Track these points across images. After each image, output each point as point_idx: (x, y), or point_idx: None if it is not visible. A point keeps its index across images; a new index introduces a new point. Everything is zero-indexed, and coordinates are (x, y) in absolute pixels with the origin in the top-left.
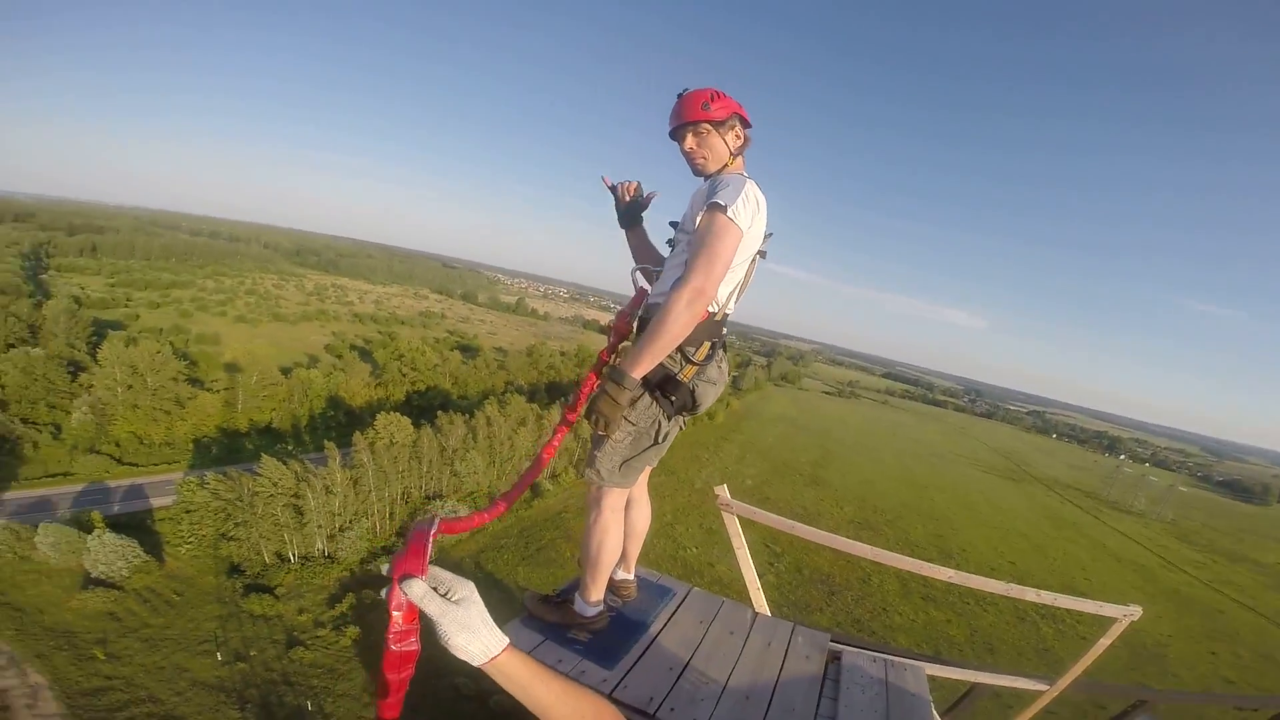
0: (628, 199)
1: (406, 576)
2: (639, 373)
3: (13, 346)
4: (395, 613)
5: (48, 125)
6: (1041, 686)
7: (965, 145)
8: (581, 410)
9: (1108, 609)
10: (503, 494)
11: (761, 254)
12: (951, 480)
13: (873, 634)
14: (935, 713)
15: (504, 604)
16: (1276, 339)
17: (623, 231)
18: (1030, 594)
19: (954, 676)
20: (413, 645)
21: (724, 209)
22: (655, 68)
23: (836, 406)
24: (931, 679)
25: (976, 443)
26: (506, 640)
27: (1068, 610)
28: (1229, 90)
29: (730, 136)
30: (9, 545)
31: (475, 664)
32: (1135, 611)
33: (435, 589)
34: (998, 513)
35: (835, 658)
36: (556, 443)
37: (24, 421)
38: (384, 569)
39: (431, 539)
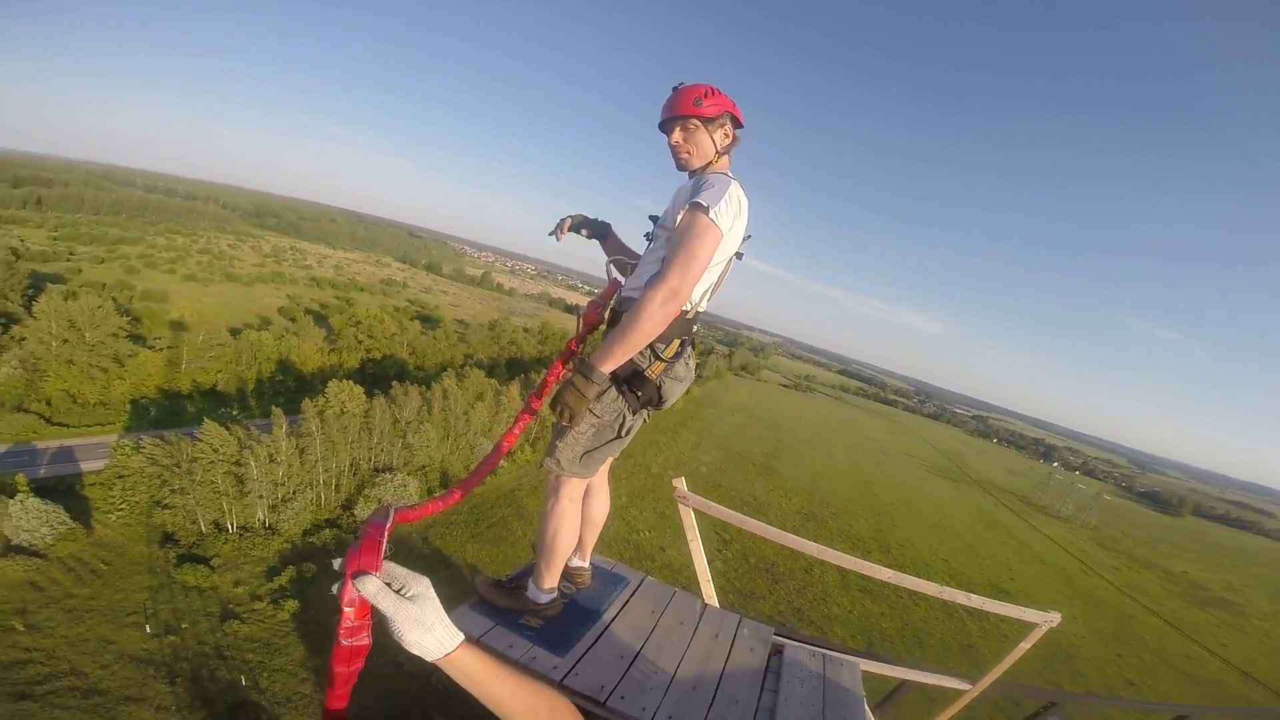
0: (564, 234)
1: (360, 573)
2: (608, 368)
3: None
4: (347, 608)
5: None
6: (964, 685)
7: (941, 149)
8: (546, 400)
9: (1030, 614)
10: (459, 481)
11: (739, 255)
12: (896, 477)
13: (811, 623)
14: (867, 707)
15: (452, 581)
16: (1209, 362)
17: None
18: (961, 597)
19: (886, 673)
20: (364, 640)
21: (706, 210)
22: (640, 43)
23: (792, 400)
24: (865, 674)
25: (922, 443)
26: (461, 636)
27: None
28: (1175, 120)
29: (719, 134)
30: None
31: (429, 660)
32: (1055, 618)
33: (389, 585)
34: (937, 511)
35: (778, 650)
36: (518, 431)
37: None
38: (335, 564)
39: (387, 532)
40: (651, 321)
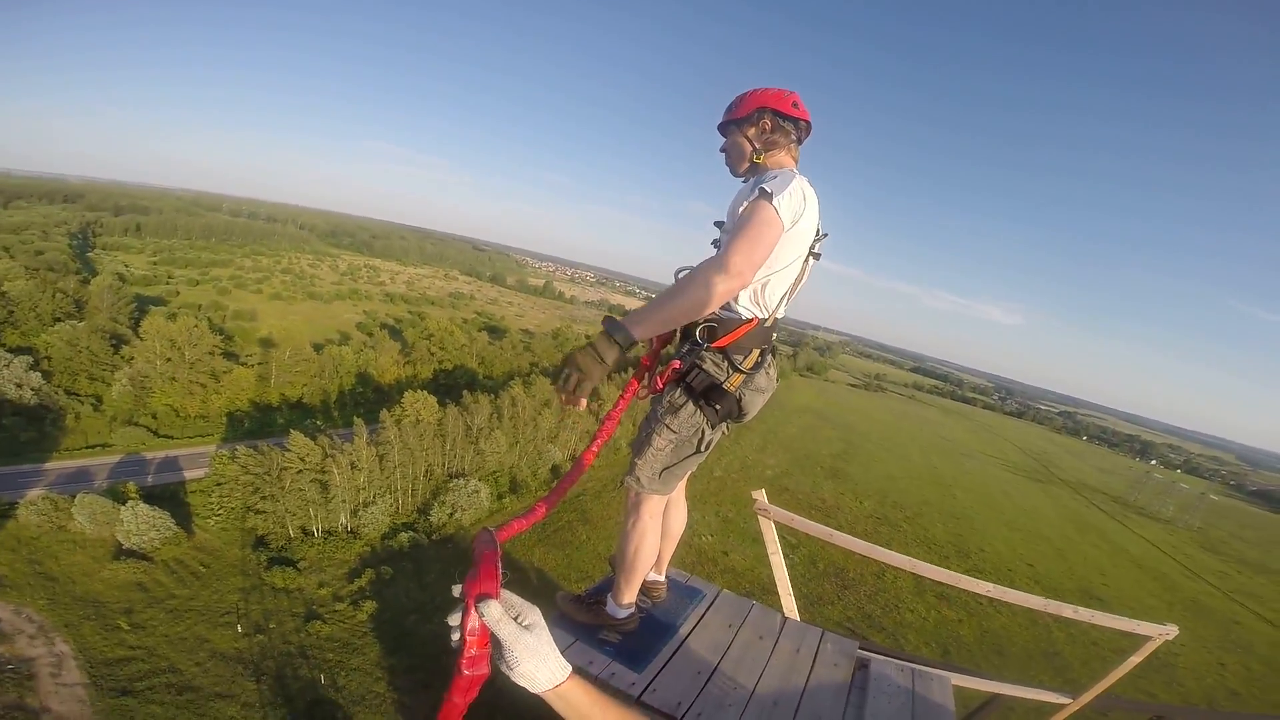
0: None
1: (484, 597)
2: (640, 333)
3: (60, 321)
4: (469, 637)
5: (98, 113)
6: (1063, 700)
7: (1011, 138)
8: (617, 417)
9: (1144, 627)
10: (542, 498)
11: (815, 255)
12: (976, 479)
13: (884, 630)
14: None
15: (521, 585)
16: None
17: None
18: (1068, 610)
19: (978, 687)
20: (483, 670)
21: (770, 197)
22: (689, 56)
23: (862, 399)
24: (955, 688)
25: (1004, 442)
26: (569, 668)
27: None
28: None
29: (752, 132)
30: (47, 515)
31: (538, 691)
32: (1171, 631)
33: (506, 613)
34: (1020, 513)
35: (863, 665)
36: (596, 449)
37: (68, 393)
38: (455, 591)
39: (499, 555)
40: (701, 292)
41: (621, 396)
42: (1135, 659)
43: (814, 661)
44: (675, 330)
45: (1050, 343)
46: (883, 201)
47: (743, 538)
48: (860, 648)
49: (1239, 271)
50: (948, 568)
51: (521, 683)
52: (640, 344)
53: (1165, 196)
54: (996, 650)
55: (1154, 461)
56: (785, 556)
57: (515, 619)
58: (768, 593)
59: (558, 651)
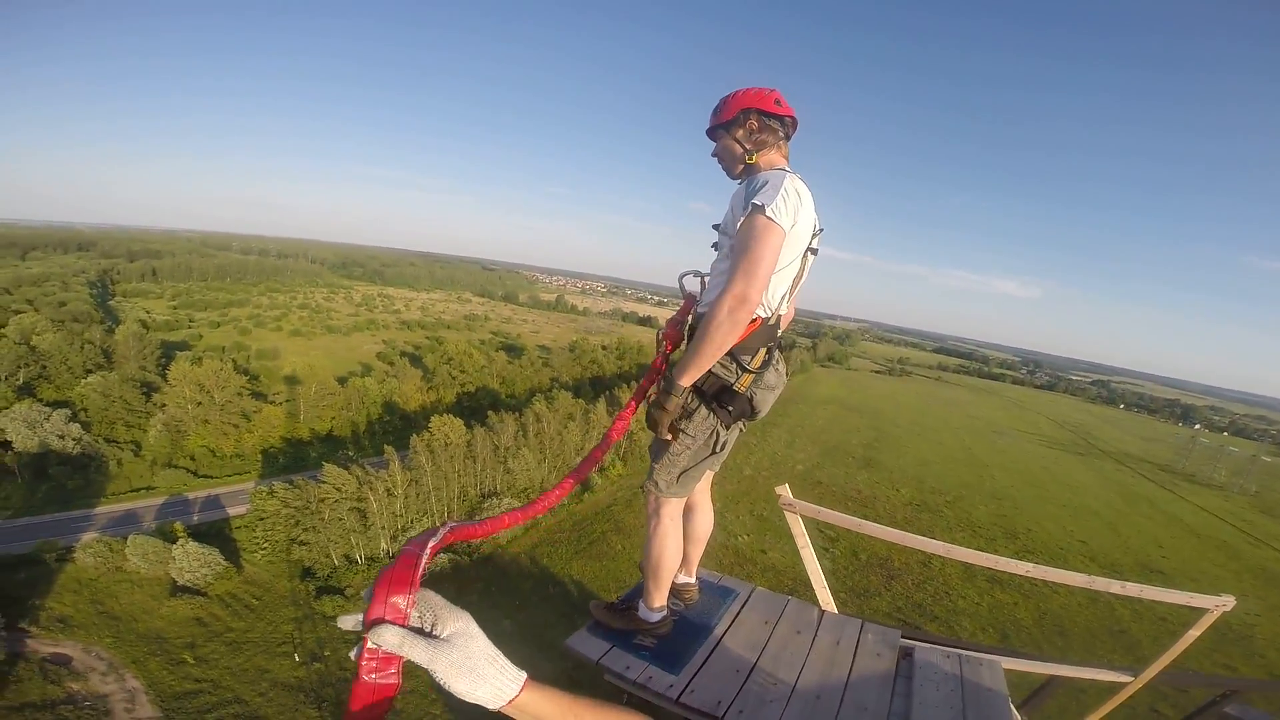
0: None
1: (377, 623)
2: (687, 381)
3: (90, 372)
4: (365, 655)
5: (102, 160)
6: (1125, 678)
7: (1007, 115)
8: (633, 416)
9: (1199, 599)
10: (537, 498)
11: (813, 251)
12: (1014, 457)
13: (935, 619)
14: (1013, 707)
15: (562, 599)
16: None
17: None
18: (1115, 586)
19: (1032, 670)
20: (391, 677)
21: (763, 209)
22: (677, 55)
23: (887, 385)
24: (1008, 672)
25: (1038, 416)
26: (523, 676)
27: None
28: None
29: (740, 134)
30: (104, 557)
31: (492, 709)
32: (1228, 602)
33: (422, 627)
34: (1065, 489)
35: (907, 654)
36: (598, 456)
37: (107, 441)
38: (364, 593)
39: (429, 552)
40: (721, 331)
41: (629, 403)
42: (1194, 632)
43: (855, 652)
44: (684, 332)
45: (1074, 313)
46: (884, 185)
47: (779, 535)
48: (903, 636)
49: (1257, 231)
50: (995, 551)
51: (470, 701)
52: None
53: (1175, 165)
54: (1058, 631)
55: (1198, 425)
56: (825, 550)
57: (430, 630)
58: (811, 588)
59: (501, 661)
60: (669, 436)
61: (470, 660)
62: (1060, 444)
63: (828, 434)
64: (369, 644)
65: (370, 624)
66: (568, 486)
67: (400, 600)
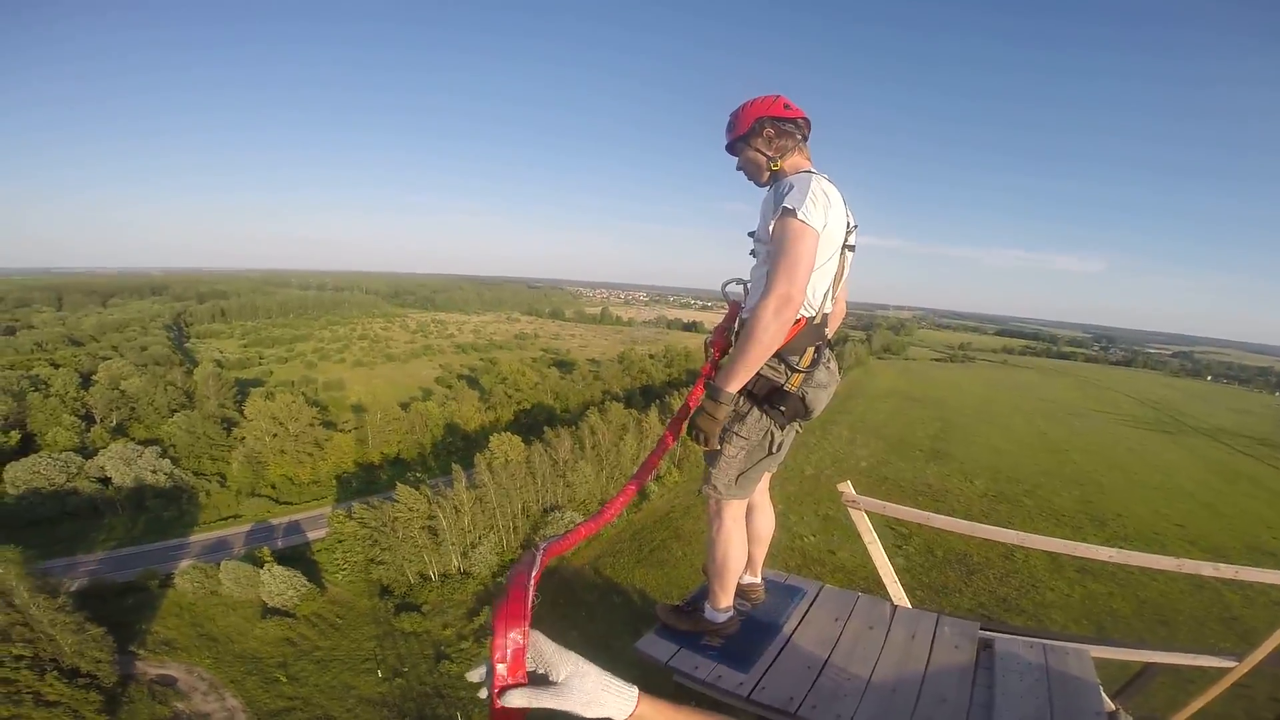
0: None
1: (506, 690)
2: (734, 386)
3: (175, 411)
4: (499, 665)
5: (169, 207)
6: (1228, 663)
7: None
8: (684, 429)
9: None
10: (606, 503)
11: (850, 248)
12: (1094, 439)
13: (1022, 613)
14: (1105, 695)
15: (626, 607)
16: None
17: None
18: (1207, 568)
19: (1124, 657)
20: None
21: (794, 213)
22: (695, 59)
23: (950, 373)
24: (1098, 661)
25: (1116, 395)
26: (635, 691)
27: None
28: None
29: (760, 143)
30: (200, 582)
31: None
32: None
33: (537, 671)
34: (1154, 471)
35: (987, 645)
36: (654, 462)
37: (195, 474)
38: (475, 676)
39: (534, 581)
40: (768, 334)
41: (682, 410)
42: None
43: (932, 646)
44: (731, 339)
45: (1146, 283)
46: (923, 170)
47: (847, 534)
48: (982, 628)
49: None
50: (1082, 539)
51: None
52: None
53: (1227, 118)
54: (1161, 621)
55: None
56: (898, 548)
57: (550, 676)
58: (883, 586)
59: (615, 683)
60: (718, 447)
61: (589, 695)
62: (1144, 422)
63: (891, 428)
64: (501, 641)
65: (500, 692)
66: (630, 492)
67: (518, 634)
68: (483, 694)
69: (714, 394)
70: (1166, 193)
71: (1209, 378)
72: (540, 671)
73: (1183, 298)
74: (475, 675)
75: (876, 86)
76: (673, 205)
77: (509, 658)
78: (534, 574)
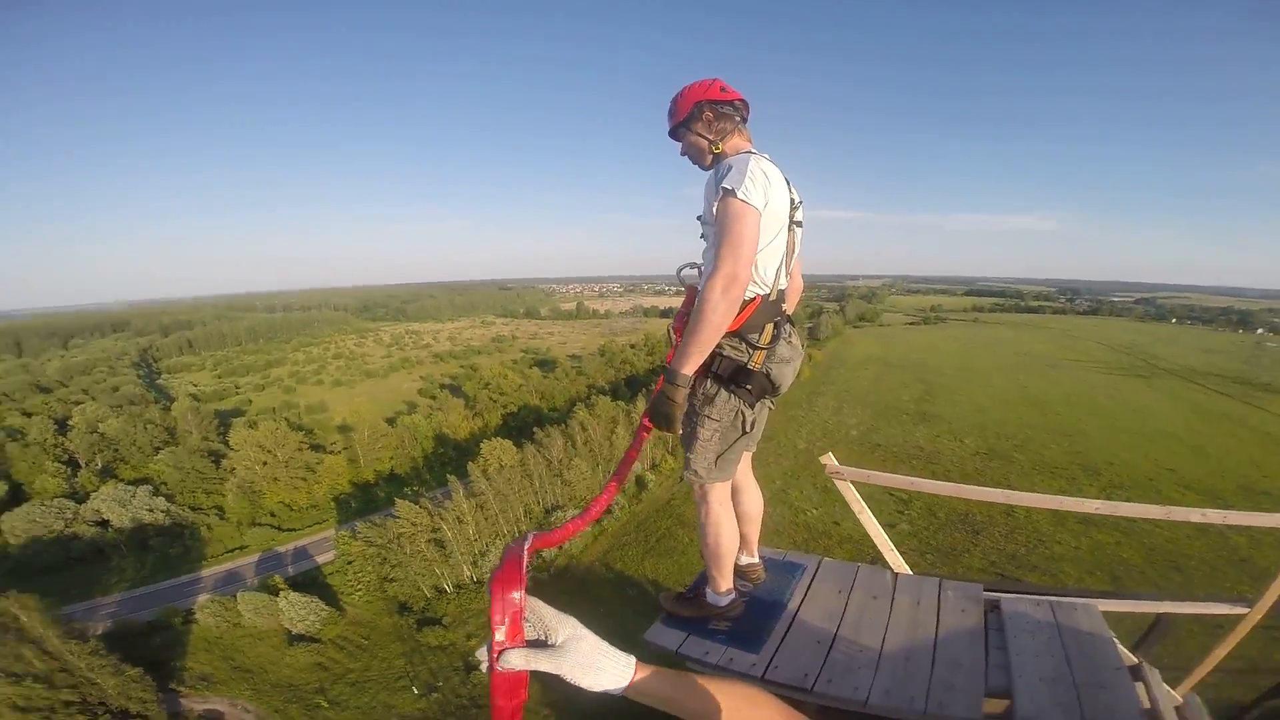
0: None
1: (505, 651)
2: (689, 368)
3: (158, 449)
4: (497, 630)
5: (119, 238)
6: (1239, 610)
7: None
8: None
9: None
10: (593, 500)
11: (797, 224)
12: (1073, 389)
13: (1035, 568)
14: (1121, 647)
15: (638, 599)
16: None
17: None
18: (1195, 514)
19: (1134, 609)
20: (522, 690)
21: (734, 193)
22: (657, 45)
23: (925, 335)
24: (1110, 615)
25: (1088, 343)
26: (633, 660)
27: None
28: None
29: (700, 127)
30: (221, 615)
31: (616, 693)
32: None
33: (537, 637)
34: (1136, 416)
35: (994, 606)
36: (634, 455)
37: (192, 509)
38: (481, 657)
39: (528, 552)
40: (717, 313)
41: (652, 393)
42: None
43: (939, 611)
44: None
45: (1102, 236)
46: (874, 141)
47: (849, 505)
48: (986, 589)
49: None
50: (1079, 490)
51: (597, 691)
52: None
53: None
54: (1174, 567)
55: (1260, 331)
56: (900, 514)
57: (549, 639)
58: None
59: (613, 652)
60: (680, 430)
61: (586, 659)
62: (1118, 368)
63: (875, 394)
64: (499, 668)
65: (499, 654)
66: (612, 490)
67: (515, 596)
68: (484, 665)
69: (671, 377)
70: (1117, 144)
71: (1174, 320)
72: (539, 637)
73: (1142, 247)
74: (481, 653)
75: (829, 59)
76: (640, 195)
77: (506, 620)
78: (527, 548)
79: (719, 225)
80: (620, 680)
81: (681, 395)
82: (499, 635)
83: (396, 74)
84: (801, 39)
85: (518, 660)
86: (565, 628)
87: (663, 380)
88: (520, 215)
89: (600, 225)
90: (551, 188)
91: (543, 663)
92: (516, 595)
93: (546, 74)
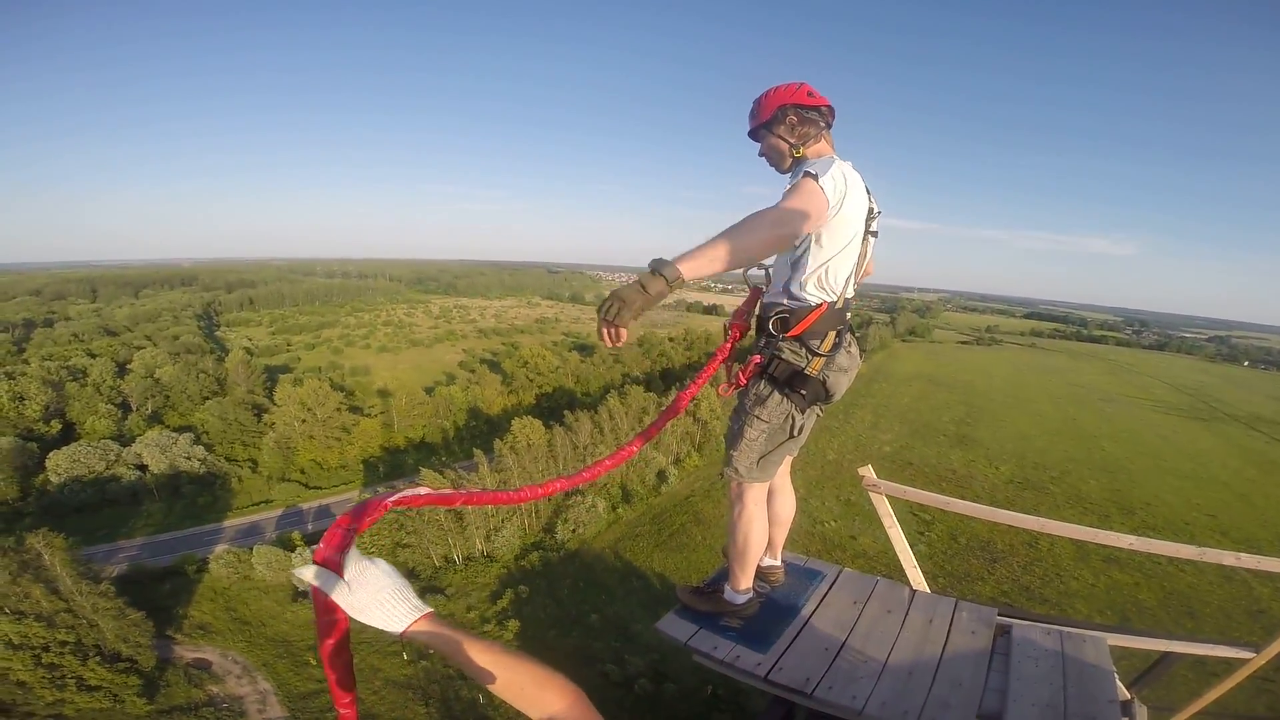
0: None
1: (316, 566)
2: (687, 269)
3: (207, 399)
4: (320, 544)
5: (196, 198)
6: (1245, 654)
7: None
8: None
9: None
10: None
11: (873, 234)
12: (1124, 426)
13: (1045, 602)
14: (1120, 683)
15: (646, 590)
16: None
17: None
18: (1229, 557)
19: (1142, 646)
20: (338, 613)
21: (815, 176)
22: (714, 36)
23: (977, 356)
24: (1117, 650)
25: (1149, 380)
26: (422, 610)
27: None
28: None
29: (782, 130)
30: (234, 567)
31: (392, 633)
32: None
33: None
34: (1186, 459)
35: (1004, 631)
36: (634, 449)
37: (228, 460)
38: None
39: (395, 504)
40: (748, 236)
41: (693, 382)
42: None
43: (949, 630)
44: (749, 324)
45: (1180, 266)
46: (948, 148)
47: (868, 519)
48: (999, 614)
49: None
50: (1109, 527)
51: (376, 626)
52: (682, 282)
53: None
54: (1187, 613)
55: None
56: (920, 535)
57: (344, 574)
58: (903, 572)
59: (408, 596)
60: (611, 340)
61: (378, 595)
62: (1178, 409)
63: (915, 412)
64: (310, 581)
65: (320, 560)
66: (631, 450)
67: (352, 525)
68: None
69: (658, 265)
70: (1202, 175)
71: (1246, 363)
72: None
73: (1219, 281)
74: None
75: (906, 67)
76: (691, 189)
77: (327, 540)
78: (395, 500)
79: (789, 190)
80: (394, 624)
81: (656, 288)
82: (320, 546)
83: (462, 69)
84: (878, 42)
85: (308, 575)
86: (370, 566)
87: (648, 269)
88: (575, 202)
89: (651, 217)
90: (606, 180)
91: (331, 584)
92: (352, 526)
93: (617, 61)
